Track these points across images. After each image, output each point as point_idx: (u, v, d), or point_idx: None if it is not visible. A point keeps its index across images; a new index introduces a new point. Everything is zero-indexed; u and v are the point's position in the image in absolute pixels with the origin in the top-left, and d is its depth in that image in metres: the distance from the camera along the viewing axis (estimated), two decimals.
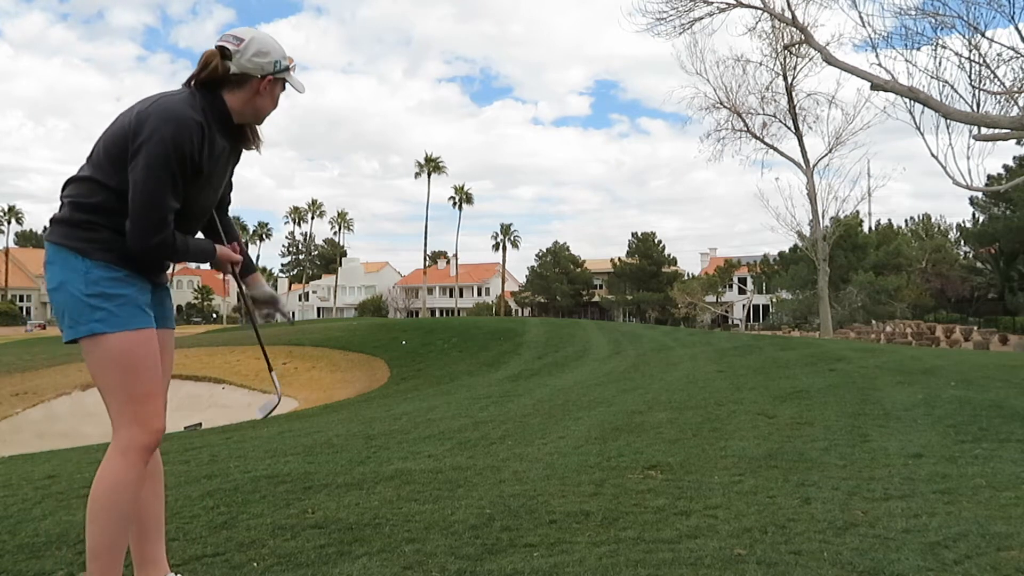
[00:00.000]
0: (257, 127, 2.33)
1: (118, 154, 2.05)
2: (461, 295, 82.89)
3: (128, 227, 2.03)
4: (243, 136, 2.30)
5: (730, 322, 63.33)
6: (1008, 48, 8.70)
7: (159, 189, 2.01)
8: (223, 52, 2.14)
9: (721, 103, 29.63)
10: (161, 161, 1.99)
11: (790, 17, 14.67)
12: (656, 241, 69.06)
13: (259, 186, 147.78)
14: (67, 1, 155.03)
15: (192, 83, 2.16)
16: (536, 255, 75.40)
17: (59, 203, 2.16)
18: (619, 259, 69.20)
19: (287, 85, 2.26)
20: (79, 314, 2.05)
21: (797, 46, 22.48)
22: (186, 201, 2.11)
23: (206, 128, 2.09)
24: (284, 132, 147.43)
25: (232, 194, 2.50)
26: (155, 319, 2.22)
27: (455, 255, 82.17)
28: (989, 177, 39.25)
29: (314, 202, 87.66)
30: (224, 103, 2.17)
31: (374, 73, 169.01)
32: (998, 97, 8.79)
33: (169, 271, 2.38)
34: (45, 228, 2.16)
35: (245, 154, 2.37)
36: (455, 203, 77.24)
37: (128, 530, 2.12)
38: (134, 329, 2.09)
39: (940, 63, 9.00)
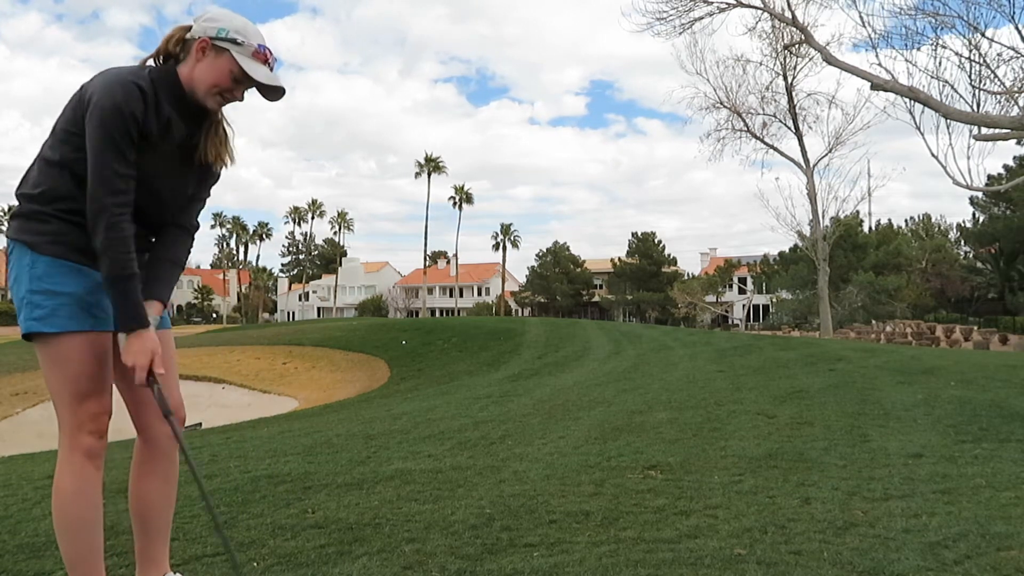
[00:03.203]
0: (227, 140, 2.19)
1: (63, 126, 1.99)
2: (461, 295, 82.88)
3: (87, 195, 1.94)
4: (202, 123, 2.14)
5: (730, 322, 63.33)
6: (1008, 48, 8.70)
7: (104, 153, 1.92)
8: (188, 28, 2.07)
9: (721, 103, 29.66)
10: (103, 122, 1.91)
11: (790, 17, 14.67)
12: (656, 241, 69.06)
13: (257, 186, 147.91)
14: (62, 1, 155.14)
15: (152, 56, 2.09)
16: (536, 255, 75.52)
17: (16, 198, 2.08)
18: (619, 259, 69.21)
19: (256, 76, 2.06)
20: (22, 311, 1.98)
21: (797, 46, 22.49)
22: (148, 176, 2.02)
23: (148, 93, 1.98)
24: (282, 132, 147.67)
25: (201, 208, 2.31)
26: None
27: (455, 255, 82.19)
28: (989, 177, 39.26)
29: (314, 202, 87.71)
30: (176, 75, 2.06)
31: (370, 74, 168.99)
32: (998, 97, 8.79)
33: None
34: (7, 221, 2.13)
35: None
36: (455, 203, 77.29)
37: (98, 535, 2.06)
38: (74, 331, 1.99)
39: (940, 63, 9.00)
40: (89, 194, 1.93)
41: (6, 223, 2.20)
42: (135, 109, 1.95)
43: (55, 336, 1.97)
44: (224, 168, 2.25)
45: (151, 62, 2.11)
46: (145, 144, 2.01)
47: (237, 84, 2.07)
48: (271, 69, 2.10)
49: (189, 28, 2.07)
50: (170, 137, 2.08)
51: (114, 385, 2.16)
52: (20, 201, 2.04)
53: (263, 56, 2.07)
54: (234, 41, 2.04)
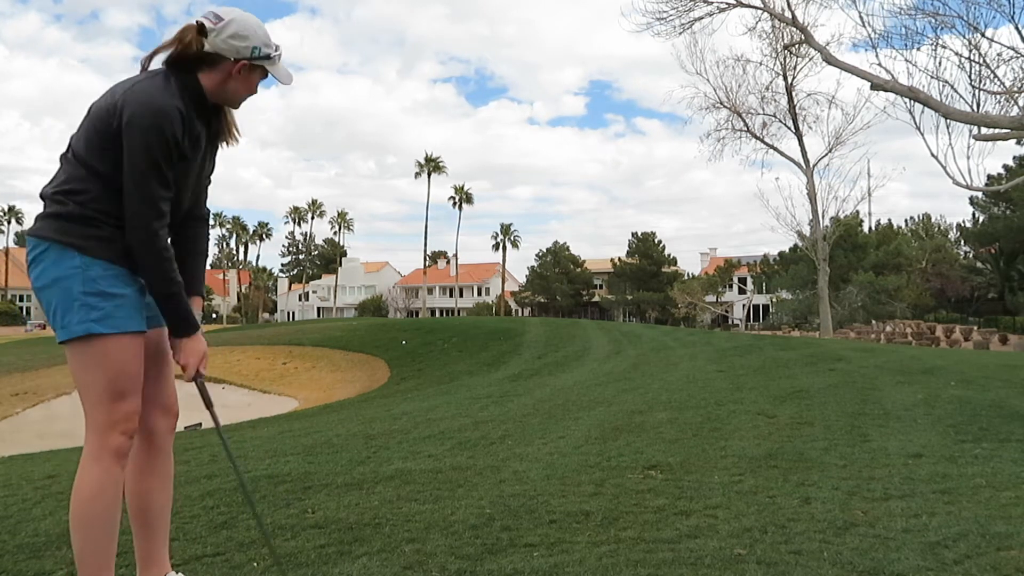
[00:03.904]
0: (233, 118, 2.29)
1: (101, 143, 2.01)
2: (461, 295, 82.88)
3: (126, 217, 2.00)
4: (218, 121, 2.24)
5: (730, 322, 63.33)
6: (1008, 48, 8.70)
7: (147, 179, 1.98)
8: (200, 28, 2.08)
9: (721, 103, 29.69)
10: (148, 147, 1.97)
11: (790, 17, 14.67)
12: (656, 241, 69.07)
13: (257, 186, 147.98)
14: (61, 2, 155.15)
15: (168, 61, 2.11)
16: (536, 255, 75.53)
17: (44, 190, 2.08)
18: (619, 259, 69.22)
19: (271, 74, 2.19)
20: (74, 313, 1.99)
21: (797, 46, 22.49)
22: (175, 185, 2.10)
23: (184, 113, 2.05)
24: (281, 132, 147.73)
25: (210, 188, 2.41)
26: (152, 319, 2.18)
27: (455, 255, 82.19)
28: (989, 177, 39.26)
29: (314, 202, 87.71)
30: (199, 84, 2.11)
31: (369, 74, 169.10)
32: (998, 97, 8.79)
33: None
34: (37, 219, 2.10)
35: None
36: (455, 203, 77.28)
37: (114, 535, 2.08)
38: (129, 332, 2.05)
39: (940, 63, 9.00)
40: (133, 214, 1.99)
41: (36, 222, 2.22)
42: (177, 133, 2.02)
43: (106, 336, 2.00)
44: (235, 143, 2.34)
45: (156, 63, 2.15)
46: (181, 160, 2.10)
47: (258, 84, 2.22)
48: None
49: (201, 28, 2.08)
50: (198, 148, 2.17)
51: None
52: (61, 202, 2.04)
53: (276, 55, 2.19)
54: (267, 57, 2.15)
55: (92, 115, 2.06)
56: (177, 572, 2.35)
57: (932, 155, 9.37)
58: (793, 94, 29.32)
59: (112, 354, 2.02)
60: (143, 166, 1.97)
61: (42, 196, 2.09)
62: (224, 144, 2.31)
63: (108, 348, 2.01)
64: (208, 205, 2.41)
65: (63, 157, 2.11)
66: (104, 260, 2.02)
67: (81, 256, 2.00)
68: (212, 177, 2.38)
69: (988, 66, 8.76)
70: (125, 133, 1.97)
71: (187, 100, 2.08)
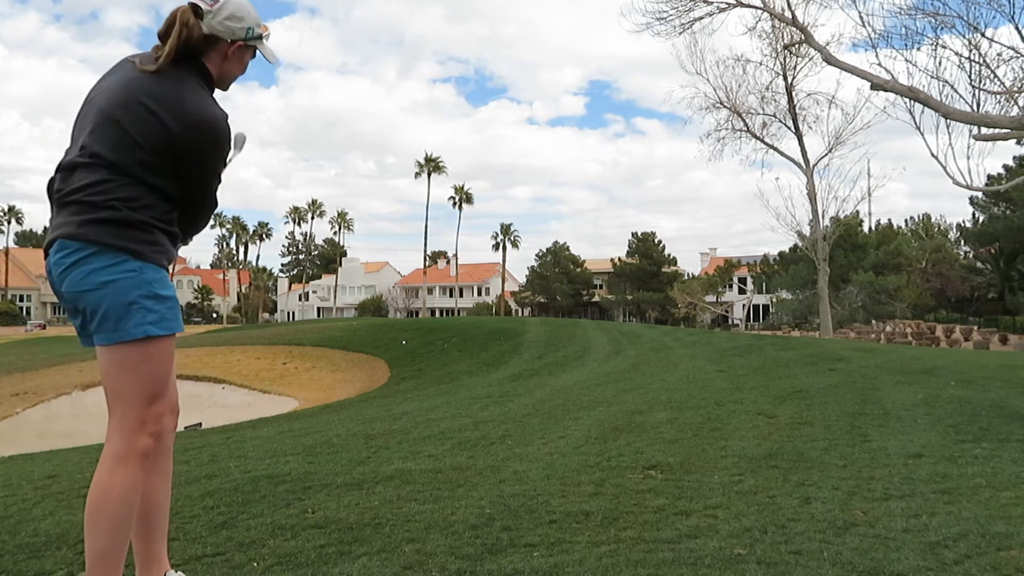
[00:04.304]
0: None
1: (152, 159, 2.03)
2: (461, 295, 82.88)
3: (193, 223, 2.20)
4: None
5: (730, 322, 63.33)
6: (1008, 48, 8.69)
7: (214, 190, 2.18)
8: (196, 10, 2.09)
9: (721, 103, 29.67)
10: (215, 168, 2.14)
11: (790, 17, 14.68)
12: (656, 241, 69.07)
13: (256, 186, 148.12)
14: (60, 2, 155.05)
15: (177, 54, 2.08)
16: (536, 255, 75.55)
17: (86, 196, 2.00)
18: (619, 259, 69.22)
19: (259, 53, 2.26)
20: (131, 316, 2.00)
21: (797, 46, 22.49)
22: None
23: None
24: (280, 132, 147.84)
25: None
26: None
27: (455, 255, 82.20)
28: (989, 177, 39.26)
29: (314, 202, 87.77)
30: (209, 72, 2.17)
31: (368, 74, 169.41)
32: (998, 97, 8.79)
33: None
34: (82, 224, 2.02)
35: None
36: (455, 203, 77.31)
37: (128, 535, 2.08)
38: (175, 333, 2.12)
39: (940, 63, 9.00)
40: (199, 222, 2.23)
41: (81, 226, 2.20)
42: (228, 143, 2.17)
43: (160, 339, 2.06)
44: None
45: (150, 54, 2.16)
46: None
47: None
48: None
49: (197, 10, 2.09)
50: None
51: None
52: (114, 207, 2.00)
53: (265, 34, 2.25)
54: (259, 37, 2.21)
55: (133, 117, 2.02)
56: (176, 571, 2.35)
57: (932, 155, 9.37)
58: (793, 94, 29.32)
59: (158, 356, 2.07)
60: (214, 183, 2.16)
61: (83, 202, 2.01)
62: None
63: (157, 350, 2.06)
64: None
65: (88, 158, 2.04)
66: (155, 264, 2.07)
67: (134, 260, 2.02)
68: None
69: (988, 66, 8.76)
70: (191, 155, 2.06)
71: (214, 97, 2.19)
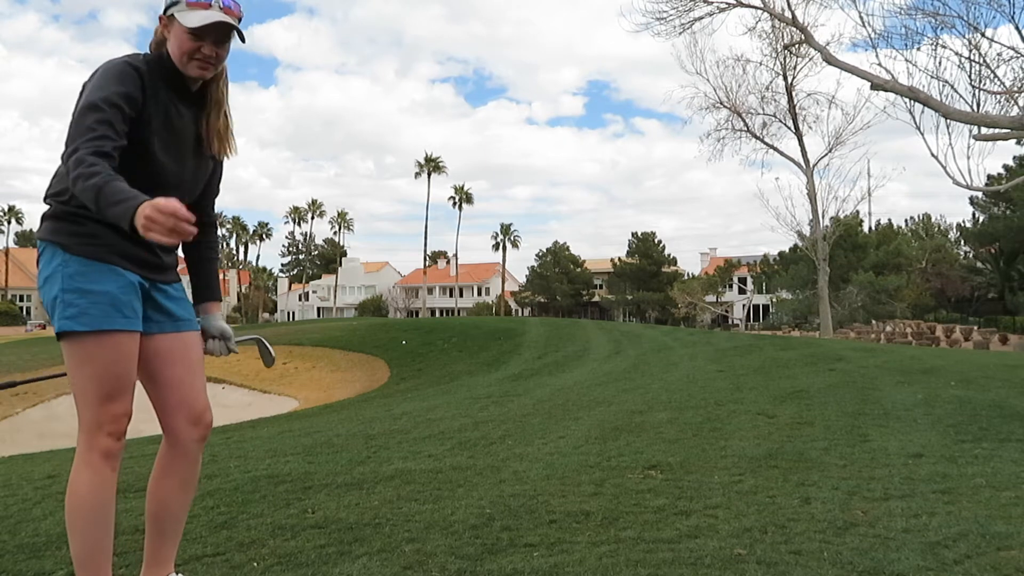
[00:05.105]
0: (226, 126, 2.21)
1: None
2: (461, 295, 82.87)
3: (63, 156, 1.90)
4: (206, 110, 2.17)
5: (730, 322, 63.33)
6: (1008, 48, 8.70)
7: (86, 111, 1.89)
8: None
9: (721, 103, 29.68)
10: (90, 91, 1.93)
11: (790, 17, 14.68)
12: (656, 241, 69.08)
13: (256, 186, 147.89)
14: (59, 2, 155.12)
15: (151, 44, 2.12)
16: (536, 255, 75.49)
17: (44, 201, 2.08)
18: (619, 259, 69.23)
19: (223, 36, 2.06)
20: (55, 310, 1.98)
21: (797, 46, 22.49)
22: (161, 167, 2.05)
23: (144, 74, 2.01)
24: (279, 132, 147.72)
25: (215, 199, 2.40)
26: (159, 321, 2.14)
27: (455, 255, 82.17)
28: (989, 177, 39.25)
29: (314, 202, 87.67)
30: (169, 59, 2.07)
31: (367, 74, 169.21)
32: (998, 97, 8.79)
33: (179, 266, 2.26)
34: (39, 222, 2.11)
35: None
36: (455, 203, 77.26)
37: (108, 535, 2.06)
38: (106, 331, 1.97)
39: (940, 63, 9.01)
40: (67, 149, 1.87)
41: (38, 225, 2.22)
42: (129, 87, 1.96)
43: (86, 335, 1.96)
44: (226, 157, 2.28)
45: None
46: (148, 130, 2.02)
47: (198, 40, 2.04)
48: (222, 11, 2.04)
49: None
50: (173, 123, 2.09)
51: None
52: (50, 203, 2.05)
53: (200, 3, 2.03)
54: (173, 3, 2.05)
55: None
56: (178, 572, 2.34)
57: (932, 155, 9.39)
58: (793, 94, 29.32)
59: (95, 353, 1.97)
60: (83, 106, 1.90)
61: (44, 201, 2.09)
62: (215, 153, 2.23)
63: (89, 346, 1.97)
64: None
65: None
66: (84, 257, 1.98)
67: (64, 253, 1.98)
68: (219, 186, 2.36)
69: (988, 66, 8.76)
70: (85, 87, 1.96)
71: (152, 69, 2.04)
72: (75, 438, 2.12)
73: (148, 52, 2.12)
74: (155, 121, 2.04)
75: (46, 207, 2.06)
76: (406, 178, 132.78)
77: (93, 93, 1.93)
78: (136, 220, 1.68)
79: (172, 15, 2.04)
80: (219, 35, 2.06)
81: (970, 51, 8.81)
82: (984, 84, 8.76)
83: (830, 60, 10.84)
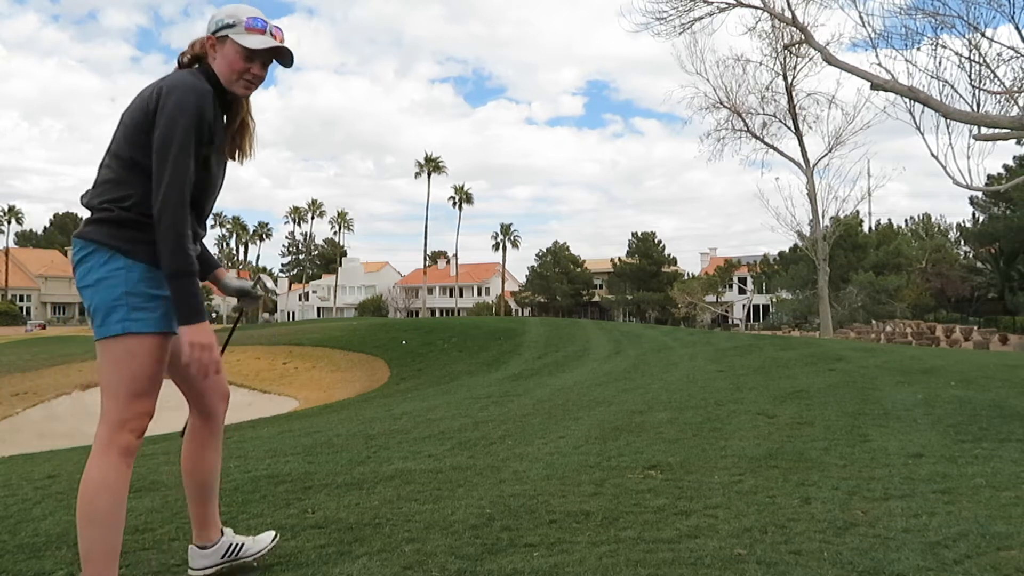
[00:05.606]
0: (251, 133, 2.39)
1: (139, 132, 2.09)
2: (461, 295, 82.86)
3: (153, 189, 2.03)
4: (235, 119, 2.35)
5: (730, 322, 63.32)
6: (1008, 48, 8.70)
7: (184, 153, 2.05)
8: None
9: (721, 103, 29.66)
10: (186, 127, 2.05)
11: (790, 17, 14.67)
12: (656, 241, 69.07)
13: (256, 186, 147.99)
14: (58, 2, 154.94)
15: (186, 55, 2.26)
16: (536, 255, 75.48)
17: (90, 201, 2.14)
18: (619, 259, 69.23)
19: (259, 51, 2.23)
20: (114, 312, 2.07)
21: (797, 46, 22.48)
22: (210, 176, 2.22)
23: (214, 96, 2.18)
24: (279, 132, 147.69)
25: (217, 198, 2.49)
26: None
27: (455, 255, 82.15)
28: (989, 177, 39.26)
29: (314, 202, 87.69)
30: (213, 72, 2.23)
31: (367, 74, 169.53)
32: (998, 97, 8.79)
33: None
34: (86, 223, 2.16)
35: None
36: (455, 203, 77.24)
37: (119, 531, 2.13)
38: (160, 333, 2.12)
39: (940, 63, 9.00)
40: (163, 192, 2.02)
41: (85, 226, 2.11)
42: (209, 114, 2.13)
43: (139, 336, 2.08)
44: (246, 160, 2.45)
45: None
46: (211, 148, 2.19)
47: (249, 61, 2.22)
48: (273, 37, 2.24)
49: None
50: (221, 135, 2.27)
51: (171, 381, 2.34)
52: (109, 208, 2.11)
53: (257, 28, 2.22)
54: (228, 25, 2.21)
55: (129, 110, 2.14)
56: (226, 528, 2.54)
57: (932, 155, 9.38)
58: (793, 94, 29.30)
59: (139, 354, 2.09)
60: (177, 138, 2.03)
61: (88, 207, 2.15)
62: (236, 158, 2.41)
63: (137, 348, 2.09)
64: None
65: (102, 165, 2.18)
66: (146, 263, 2.09)
67: (124, 258, 2.09)
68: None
69: (988, 66, 8.76)
70: (160, 111, 2.05)
71: (214, 87, 2.22)
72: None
73: (193, 66, 2.25)
74: (216, 139, 2.21)
75: (101, 211, 2.12)
76: (406, 178, 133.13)
77: (190, 128, 2.05)
78: (195, 332, 2.03)
79: (226, 36, 2.20)
80: (267, 58, 2.25)
81: (970, 51, 8.82)
82: (984, 84, 8.76)
83: (830, 60, 10.84)
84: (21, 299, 79.02)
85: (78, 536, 2.10)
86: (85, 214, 2.19)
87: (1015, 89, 8.68)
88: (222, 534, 2.48)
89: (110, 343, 2.08)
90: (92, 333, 2.17)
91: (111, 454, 2.09)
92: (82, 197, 2.19)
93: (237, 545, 2.49)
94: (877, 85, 9.23)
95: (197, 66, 2.25)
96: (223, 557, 2.45)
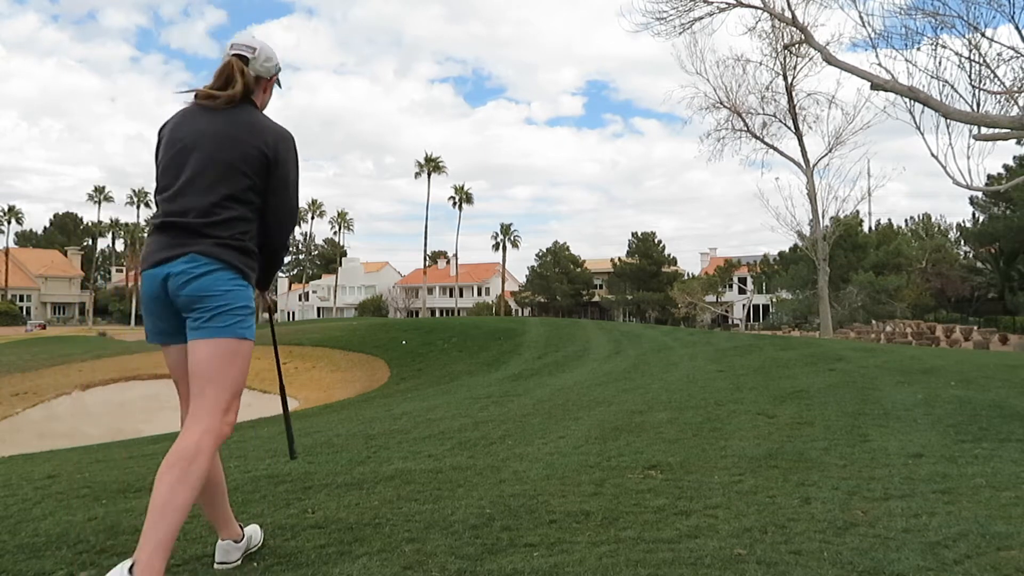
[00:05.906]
0: None
1: (256, 179, 2.46)
2: (461, 295, 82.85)
3: (280, 231, 2.57)
4: None
5: (730, 322, 63.32)
6: (1008, 48, 8.70)
7: (297, 197, 2.63)
8: (242, 59, 2.53)
9: (721, 103, 29.65)
10: (298, 171, 2.60)
11: (790, 17, 14.67)
12: (656, 241, 69.07)
13: None
14: (58, 2, 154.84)
15: (242, 97, 2.52)
16: (536, 255, 75.47)
17: (218, 227, 2.41)
18: (619, 259, 69.23)
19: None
20: (236, 320, 2.40)
21: (797, 46, 22.48)
22: None
23: None
24: None
25: None
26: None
27: (455, 255, 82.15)
28: (989, 177, 39.26)
29: (314, 202, 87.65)
30: (256, 106, 2.59)
31: (366, 74, 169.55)
32: (998, 97, 8.79)
33: None
34: (215, 246, 2.47)
35: None
36: (455, 203, 77.24)
37: (184, 516, 2.28)
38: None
39: (940, 63, 9.00)
40: (285, 231, 2.61)
41: (215, 247, 2.48)
42: None
43: (251, 342, 2.48)
44: None
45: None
46: None
47: None
48: None
49: (243, 58, 2.53)
50: None
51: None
52: (239, 239, 2.45)
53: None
54: (280, 70, 2.69)
55: (237, 157, 2.43)
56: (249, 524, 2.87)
57: (932, 155, 9.37)
58: (793, 94, 29.29)
59: (248, 357, 2.45)
60: (293, 184, 2.58)
61: (218, 237, 2.41)
62: None
63: (248, 352, 2.46)
64: None
65: (215, 202, 2.42)
66: (251, 285, 2.51)
67: (244, 280, 2.47)
68: None
69: (988, 66, 8.76)
70: (284, 163, 2.52)
71: None
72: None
73: (248, 102, 2.55)
74: None
75: (234, 240, 2.45)
76: (406, 178, 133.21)
77: (298, 174, 2.62)
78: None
79: (278, 79, 2.68)
80: None
81: (970, 51, 8.81)
82: (984, 84, 8.76)
83: (830, 60, 10.84)
84: (21, 299, 79.02)
85: (170, 496, 2.14)
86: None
87: (1015, 89, 8.68)
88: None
89: (230, 342, 2.38)
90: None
91: (215, 436, 2.32)
92: (184, 213, 2.41)
93: (250, 536, 2.77)
94: (877, 85, 9.23)
95: (246, 105, 2.54)
96: (248, 547, 2.73)
